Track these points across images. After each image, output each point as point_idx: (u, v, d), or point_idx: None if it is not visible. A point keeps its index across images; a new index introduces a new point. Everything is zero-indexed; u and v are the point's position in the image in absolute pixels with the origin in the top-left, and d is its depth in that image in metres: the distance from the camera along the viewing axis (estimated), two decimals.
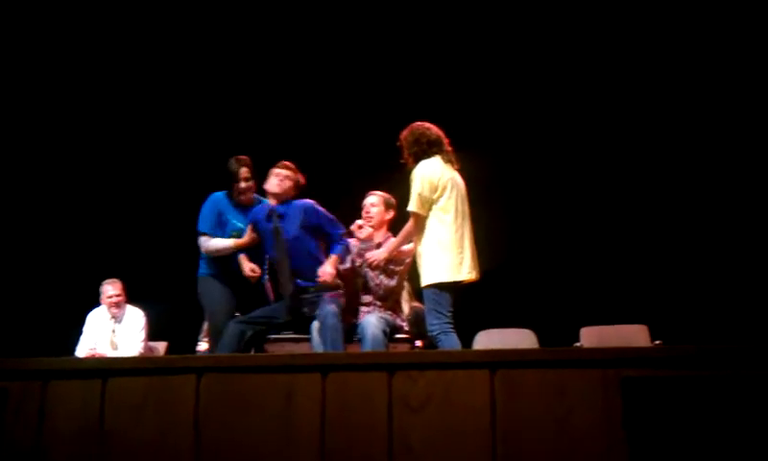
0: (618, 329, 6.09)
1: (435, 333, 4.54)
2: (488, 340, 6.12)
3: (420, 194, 4.66)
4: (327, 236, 5.10)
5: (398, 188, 5.15)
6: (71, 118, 7.77)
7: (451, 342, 4.51)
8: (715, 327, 6.16)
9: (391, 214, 5.41)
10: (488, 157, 6.92)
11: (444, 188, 4.69)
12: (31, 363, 2.85)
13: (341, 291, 5.10)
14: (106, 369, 2.82)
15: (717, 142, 7.17)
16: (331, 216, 5.14)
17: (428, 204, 4.68)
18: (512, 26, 7.52)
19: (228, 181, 5.21)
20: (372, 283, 5.19)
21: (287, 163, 5.15)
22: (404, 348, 5.17)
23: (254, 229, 5.13)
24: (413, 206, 4.69)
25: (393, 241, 5.01)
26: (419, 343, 5.44)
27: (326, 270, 4.92)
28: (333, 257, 5.00)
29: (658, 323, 6.08)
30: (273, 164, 5.15)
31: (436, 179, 4.68)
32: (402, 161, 4.91)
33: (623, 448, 2.57)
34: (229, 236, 5.16)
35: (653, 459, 2.59)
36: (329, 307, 4.86)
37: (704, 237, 7.06)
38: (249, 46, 7.70)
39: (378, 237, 5.35)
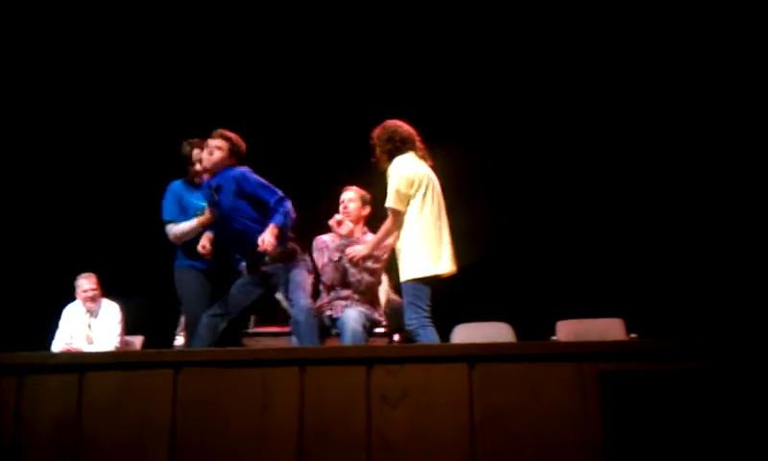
0: (594, 323, 6.12)
1: (413, 327, 4.54)
2: (465, 334, 6.14)
3: (397, 190, 4.67)
4: (264, 204, 4.78)
5: (373, 185, 5.17)
6: (44, 113, 7.70)
7: (429, 336, 4.52)
8: (691, 321, 6.23)
9: (367, 210, 5.41)
10: (464, 153, 6.95)
11: (421, 183, 4.71)
12: (6, 358, 2.83)
13: (299, 258, 4.94)
14: (82, 364, 2.80)
15: (693, 135, 7.23)
16: (264, 181, 4.86)
17: (406, 199, 4.69)
18: (494, 17, 7.53)
19: (184, 166, 5.16)
20: (353, 279, 5.19)
21: (220, 131, 4.92)
22: (382, 342, 5.17)
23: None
24: (391, 202, 4.69)
25: (373, 237, 4.99)
26: (396, 337, 5.46)
27: (265, 239, 4.60)
28: (271, 226, 4.65)
29: (633, 316, 6.12)
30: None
31: (412, 174, 4.70)
32: (374, 160, 4.91)
33: (601, 442, 2.58)
34: (195, 217, 5.10)
35: (631, 452, 2.61)
36: (303, 304, 4.77)
37: (679, 231, 7.12)
38: (228, 41, 7.67)
39: (356, 233, 5.35)
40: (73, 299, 6.47)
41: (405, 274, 4.64)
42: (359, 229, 5.37)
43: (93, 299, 6.39)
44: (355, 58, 7.59)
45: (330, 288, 5.28)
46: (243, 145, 4.96)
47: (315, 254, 5.34)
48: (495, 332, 6.15)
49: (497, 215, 7.45)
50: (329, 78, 7.64)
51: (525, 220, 7.52)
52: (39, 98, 7.64)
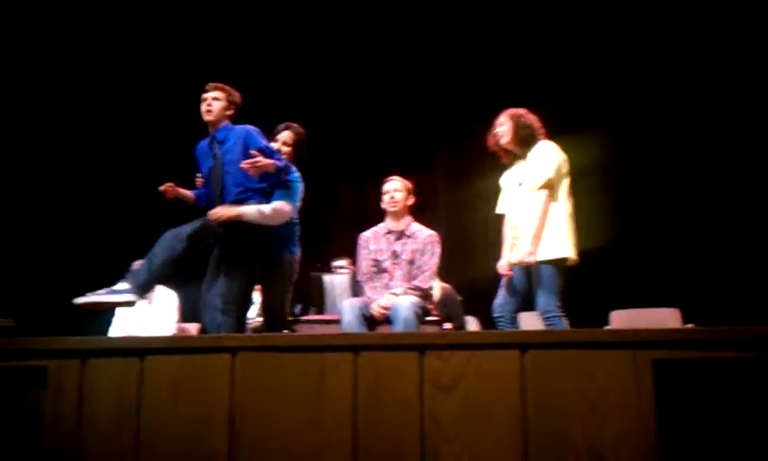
0: (649, 313, 6.05)
1: (556, 314, 4.63)
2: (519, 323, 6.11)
3: (556, 170, 4.74)
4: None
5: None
6: (98, 100, 7.86)
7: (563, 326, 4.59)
8: (749, 312, 6.11)
9: (411, 200, 5.41)
10: None
11: (568, 169, 4.83)
12: (70, 342, 2.91)
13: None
14: (143, 348, 2.86)
15: (752, 125, 7.09)
16: (273, 149, 4.80)
17: (560, 180, 4.77)
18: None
19: None
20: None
21: (213, 84, 4.86)
22: (433, 329, 5.20)
23: (197, 164, 4.98)
24: (551, 172, 4.70)
25: (535, 230, 4.70)
26: (448, 325, 5.47)
27: (260, 156, 4.50)
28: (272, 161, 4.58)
29: (690, 307, 6.04)
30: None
31: (564, 159, 4.83)
32: (496, 136, 4.94)
33: (654, 430, 2.57)
34: None
35: (685, 441, 2.60)
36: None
37: (738, 220, 7.00)
38: (269, 34, 7.77)
39: (401, 225, 5.33)
40: None
41: (550, 253, 4.67)
42: (405, 220, 5.36)
43: None
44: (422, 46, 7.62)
45: (370, 279, 5.31)
46: (238, 94, 4.90)
47: (358, 253, 5.41)
48: None
49: None
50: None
51: (579, 210, 7.45)
52: (92, 85, 7.82)
